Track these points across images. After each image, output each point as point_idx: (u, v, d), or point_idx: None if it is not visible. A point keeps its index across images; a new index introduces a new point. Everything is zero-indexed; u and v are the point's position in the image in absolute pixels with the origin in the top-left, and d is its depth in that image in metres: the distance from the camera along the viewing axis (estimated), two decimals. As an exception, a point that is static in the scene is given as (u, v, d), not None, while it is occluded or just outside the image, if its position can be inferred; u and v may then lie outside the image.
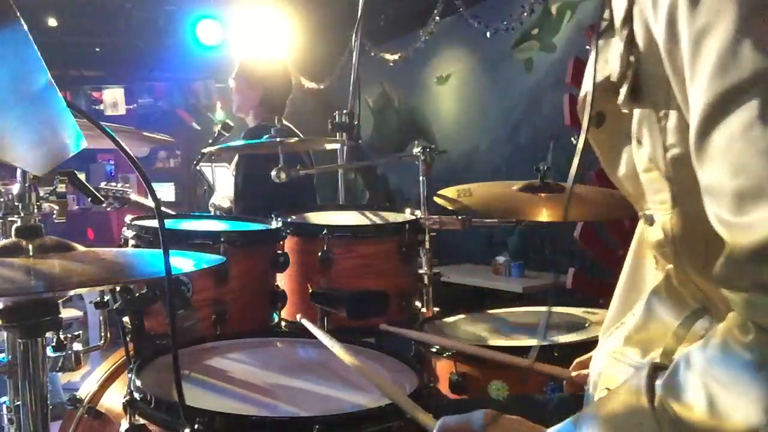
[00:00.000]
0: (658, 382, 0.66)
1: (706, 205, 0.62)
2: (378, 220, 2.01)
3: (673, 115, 0.72)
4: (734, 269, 0.58)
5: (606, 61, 0.81)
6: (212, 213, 2.95)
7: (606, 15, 0.82)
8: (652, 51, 0.71)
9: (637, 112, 0.77)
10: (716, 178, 0.60)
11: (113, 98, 7.75)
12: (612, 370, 0.88)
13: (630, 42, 0.74)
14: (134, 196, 2.83)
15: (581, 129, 0.83)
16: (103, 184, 2.81)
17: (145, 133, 1.75)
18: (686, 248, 0.78)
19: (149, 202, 2.78)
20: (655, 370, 0.68)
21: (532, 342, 1.54)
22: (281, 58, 3.37)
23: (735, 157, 0.58)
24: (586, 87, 0.84)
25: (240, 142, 2.64)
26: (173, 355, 0.86)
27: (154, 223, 1.67)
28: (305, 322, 1.44)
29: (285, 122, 2.89)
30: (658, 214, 0.80)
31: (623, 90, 0.75)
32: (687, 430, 0.62)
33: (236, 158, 2.97)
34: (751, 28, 0.58)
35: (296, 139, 2.62)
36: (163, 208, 2.75)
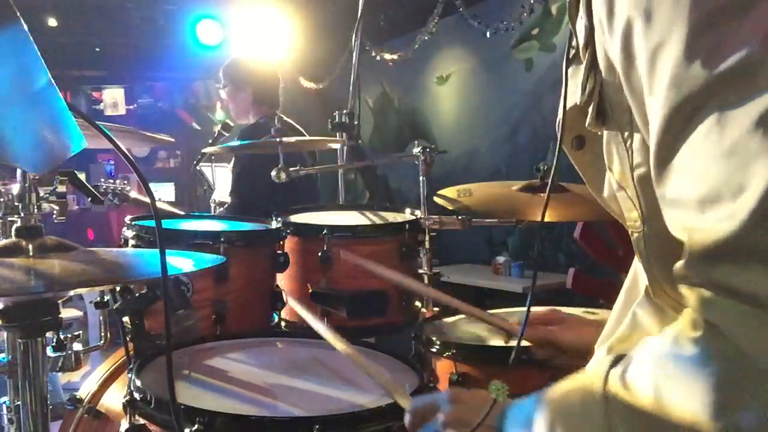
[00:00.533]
0: (613, 370, 0.68)
1: (670, 217, 0.64)
2: (378, 220, 2.01)
3: (637, 136, 0.74)
4: (690, 268, 0.60)
5: (577, 86, 0.83)
6: (212, 209, 2.96)
7: (574, 42, 0.83)
8: (613, 76, 0.72)
9: (605, 133, 0.79)
10: (680, 189, 0.61)
11: (113, 98, 7.76)
12: None
13: (592, 66, 0.76)
14: (134, 194, 2.83)
15: (555, 152, 0.86)
16: (102, 181, 2.81)
17: (145, 133, 1.75)
18: (659, 264, 0.80)
19: (148, 200, 2.79)
20: (617, 360, 0.70)
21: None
22: (271, 56, 3.36)
23: (696, 166, 0.59)
24: (559, 113, 0.86)
25: (238, 143, 2.64)
26: (167, 356, 0.86)
27: (153, 223, 1.67)
28: (292, 302, 1.43)
29: (286, 119, 2.89)
30: (633, 233, 0.82)
31: (589, 112, 0.78)
32: (634, 418, 0.64)
33: (233, 157, 2.97)
34: (702, 41, 0.59)
35: (296, 138, 2.62)
36: (170, 208, 2.76)
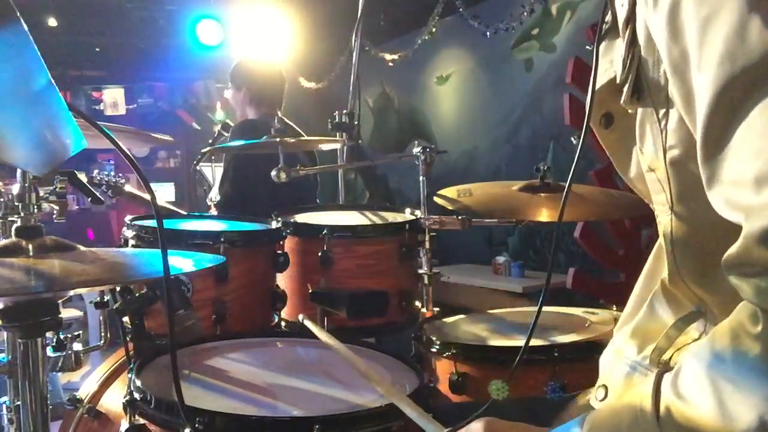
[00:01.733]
0: (665, 382, 0.63)
1: (721, 196, 0.60)
2: (378, 220, 2.01)
3: (673, 115, 0.72)
4: (746, 253, 0.55)
5: (611, 62, 0.81)
6: (210, 207, 2.95)
7: (608, 18, 0.82)
8: (651, 53, 0.71)
9: (639, 111, 0.77)
10: (734, 167, 0.58)
11: (113, 98, 7.76)
12: (612, 366, 0.89)
13: (632, 41, 0.74)
14: (128, 188, 2.81)
15: (583, 129, 0.83)
16: (96, 173, 2.78)
17: (145, 133, 1.75)
18: (683, 251, 0.78)
19: (144, 194, 2.78)
20: (662, 374, 0.66)
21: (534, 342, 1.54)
22: (271, 56, 3.35)
23: (752, 143, 0.56)
24: (589, 91, 0.84)
25: (240, 142, 2.63)
26: (171, 354, 0.86)
27: (154, 223, 1.67)
28: (307, 323, 1.43)
29: (287, 121, 2.89)
30: (661, 216, 0.79)
31: (625, 89, 0.75)
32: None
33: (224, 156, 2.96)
34: (756, 11, 0.56)
35: (296, 138, 2.62)
36: (170, 207, 2.75)
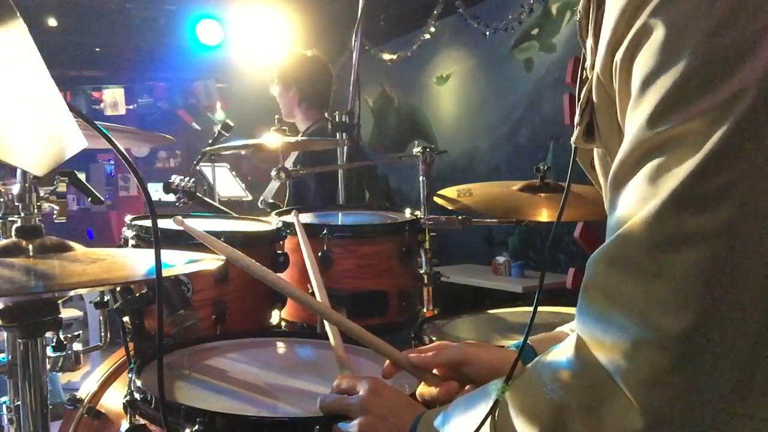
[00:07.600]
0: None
1: (610, 224, 0.68)
2: (378, 220, 2.01)
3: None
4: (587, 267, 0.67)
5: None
6: (261, 208, 2.92)
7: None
8: (605, 96, 0.72)
9: (597, 151, 0.81)
10: (617, 207, 0.66)
11: (113, 98, 7.77)
12: None
13: (590, 87, 0.76)
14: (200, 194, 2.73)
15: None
16: (174, 177, 2.71)
17: (145, 133, 1.75)
18: None
19: (213, 202, 2.73)
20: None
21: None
22: (317, 53, 3.30)
23: (630, 199, 0.64)
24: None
25: (239, 142, 2.63)
26: (158, 358, 0.86)
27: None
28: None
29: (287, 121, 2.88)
30: None
31: (577, 130, 0.78)
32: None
33: (295, 157, 2.93)
34: (691, 83, 0.59)
35: (295, 138, 2.62)
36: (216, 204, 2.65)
